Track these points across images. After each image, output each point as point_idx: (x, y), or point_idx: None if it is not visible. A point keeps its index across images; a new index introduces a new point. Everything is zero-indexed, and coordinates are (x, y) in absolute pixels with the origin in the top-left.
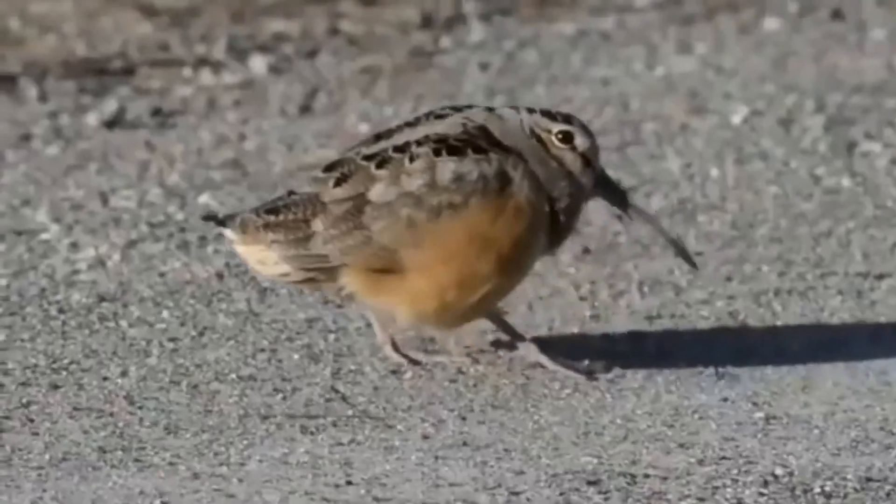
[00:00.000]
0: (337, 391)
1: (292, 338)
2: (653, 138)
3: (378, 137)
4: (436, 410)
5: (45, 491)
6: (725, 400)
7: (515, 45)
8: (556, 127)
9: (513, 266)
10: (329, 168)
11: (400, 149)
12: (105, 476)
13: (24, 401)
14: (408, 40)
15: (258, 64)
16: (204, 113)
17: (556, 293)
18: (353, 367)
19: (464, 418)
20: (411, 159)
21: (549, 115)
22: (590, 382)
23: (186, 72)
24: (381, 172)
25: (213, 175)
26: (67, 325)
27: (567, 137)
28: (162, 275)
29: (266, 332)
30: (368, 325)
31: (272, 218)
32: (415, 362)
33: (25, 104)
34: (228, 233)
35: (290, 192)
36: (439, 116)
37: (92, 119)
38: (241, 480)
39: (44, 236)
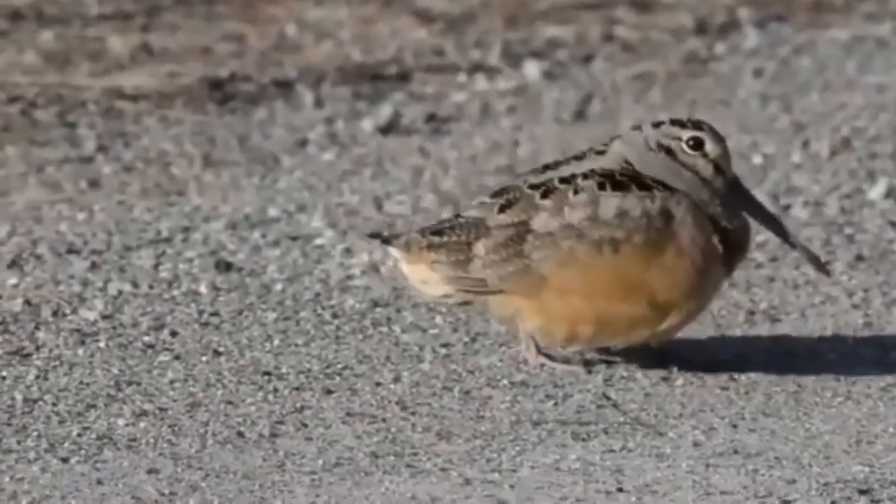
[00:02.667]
0: (608, 398)
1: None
2: None
3: (546, 168)
4: (707, 418)
5: (318, 496)
6: None
7: (790, 51)
8: (687, 134)
9: (673, 309)
10: (496, 194)
11: (566, 180)
12: (377, 481)
13: (298, 406)
14: (682, 46)
15: (532, 70)
16: (478, 119)
17: (828, 301)
18: (624, 374)
19: (735, 426)
20: (576, 192)
21: (679, 122)
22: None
23: (461, 77)
24: (546, 202)
25: (487, 181)
26: (341, 330)
27: (698, 144)
28: None
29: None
30: None
31: (436, 239)
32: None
33: (302, 110)
34: (394, 251)
35: (457, 215)
36: (600, 152)
37: (367, 125)
38: (512, 486)
39: (318, 241)
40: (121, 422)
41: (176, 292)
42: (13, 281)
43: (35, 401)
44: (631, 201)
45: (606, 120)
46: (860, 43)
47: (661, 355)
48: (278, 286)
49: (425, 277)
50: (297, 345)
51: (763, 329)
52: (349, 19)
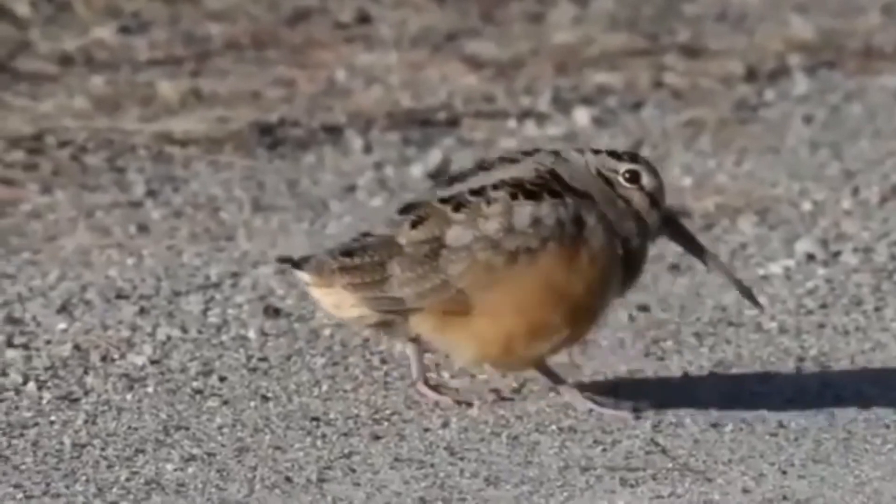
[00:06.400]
0: (657, 444)
1: (614, 393)
2: None
3: (453, 180)
4: (756, 464)
5: None
6: None
7: (840, 97)
8: (623, 166)
9: (586, 315)
10: (404, 210)
11: (476, 192)
12: None
13: (346, 451)
14: (732, 93)
15: (582, 116)
16: None
17: (878, 347)
18: (673, 420)
19: (784, 472)
20: (488, 203)
21: (615, 154)
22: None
23: (510, 123)
24: (458, 216)
25: None
26: (389, 375)
27: (634, 177)
28: None
29: (588, 385)
30: (686, 375)
31: (347, 260)
32: (447, 397)
33: (351, 155)
34: (303, 275)
35: (365, 234)
36: (512, 161)
37: (416, 170)
38: None
39: None
40: (169, 467)
41: (224, 337)
42: (62, 326)
43: (83, 446)
44: (544, 209)
45: (657, 166)
46: None
47: (710, 401)
48: (327, 331)
49: (337, 301)
50: (345, 390)
51: (813, 375)
52: (398, 65)
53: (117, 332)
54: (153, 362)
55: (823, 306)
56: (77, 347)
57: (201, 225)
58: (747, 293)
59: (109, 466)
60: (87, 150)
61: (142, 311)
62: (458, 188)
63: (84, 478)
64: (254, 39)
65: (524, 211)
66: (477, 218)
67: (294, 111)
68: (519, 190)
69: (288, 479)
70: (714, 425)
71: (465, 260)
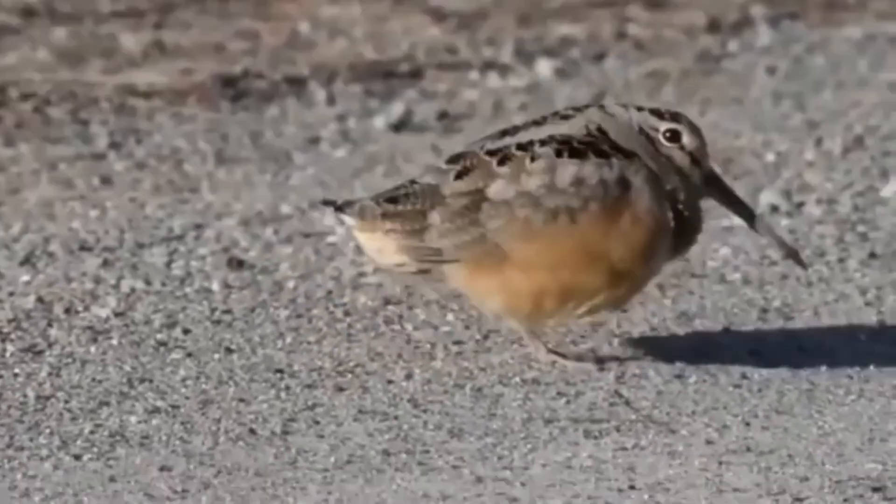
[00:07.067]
0: (621, 395)
1: (576, 342)
2: None
3: (504, 133)
4: (719, 415)
5: (329, 493)
6: None
7: (803, 49)
8: (664, 125)
9: (627, 280)
10: (452, 160)
11: (523, 147)
12: (389, 479)
13: (310, 403)
14: (695, 44)
15: (544, 67)
16: (490, 116)
17: (841, 298)
18: (636, 372)
19: (748, 423)
20: (533, 159)
21: (657, 113)
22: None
23: (473, 75)
24: (502, 169)
25: None
26: (353, 327)
27: (675, 136)
28: None
29: (550, 335)
30: (653, 329)
31: (391, 207)
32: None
33: (314, 107)
34: (347, 219)
35: (412, 181)
36: (564, 117)
37: (379, 122)
38: (524, 484)
39: (331, 239)
40: (133, 419)
41: (188, 289)
42: (26, 278)
43: (47, 398)
44: (588, 169)
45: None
46: (873, 41)
47: (673, 352)
48: (290, 283)
49: (380, 246)
50: (309, 342)
51: (776, 326)
52: (362, 17)
53: (81, 284)
54: (117, 314)
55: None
56: (40, 300)
57: (165, 177)
58: (794, 255)
59: (73, 419)
60: (49, 102)
61: (105, 263)
62: (507, 141)
63: (48, 430)
64: None
65: (567, 170)
66: (520, 173)
67: (257, 63)
68: (566, 147)
69: (252, 432)
70: (677, 377)
71: (504, 215)
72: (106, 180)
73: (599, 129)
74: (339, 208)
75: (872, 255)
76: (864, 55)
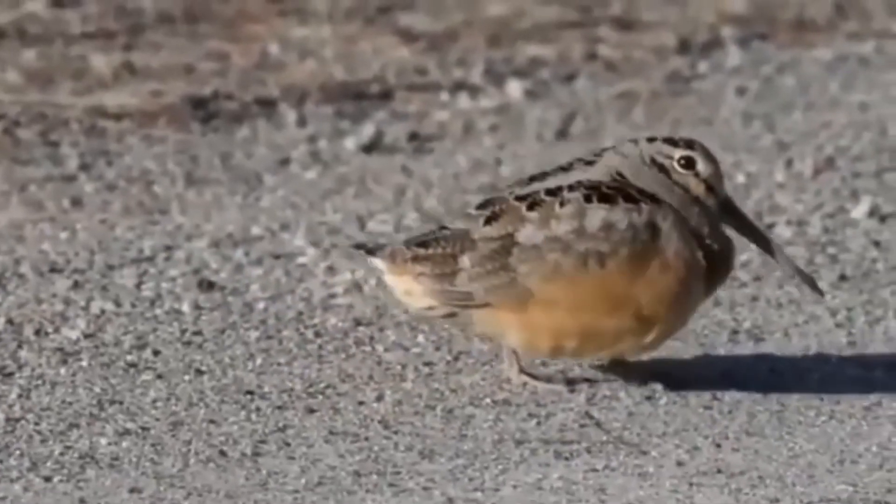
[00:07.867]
0: (591, 417)
1: (546, 363)
2: None
3: (532, 179)
4: (690, 437)
5: None
6: None
7: (773, 69)
8: (678, 153)
9: (656, 323)
10: (482, 206)
11: (552, 192)
12: (360, 500)
13: (281, 425)
14: (665, 65)
15: (515, 88)
16: (460, 137)
17: (812, 320)
18: (607, 393)
19: (718, 445)
20: (562, 204)
21: (671, 141)
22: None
23: (443, 96)
24: (532, 214)
25: (470, 199)
26: (324, 349)
27: (689, 163)
28: None
29: (520, 358)
30: None
31: (421, 251)
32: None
33: (284, 129)
34: (378, 263)
35: (442, 227)
36: (588, 163)
37: (350, 143)
38: None
39: (301, 260)
40: (103, 441)
41: (158, 311)
42: None
43: (17, 420)
44: (617, 214)
45: (589, 139)
46: (843, 62)
47: (644, 374)
48: (261, 305)
49: (409, 289)
50: (279, 364)
51: (746, 348)
52: (332, 38)
53: (51, 305)
54: (87, 336)
55: (757, 279)
56: (10, 321)
57: (135, 199)
58: (809, 282)
59: (43, 441)
60: (19, 124)
61: (75, 284)
62: (535, 187)
63: (18, 452)
64: (186, 13)
65: (597, 214)
66: (549, 218)
67: (227, 85)
68: (594, 192)
69: (222, 453)
70: (648, 398)
71: (534, 259)
72: (76, 202)
73: (619, 173)
74: (370, 252)
75: (843, 277)
76: (834, 76)
